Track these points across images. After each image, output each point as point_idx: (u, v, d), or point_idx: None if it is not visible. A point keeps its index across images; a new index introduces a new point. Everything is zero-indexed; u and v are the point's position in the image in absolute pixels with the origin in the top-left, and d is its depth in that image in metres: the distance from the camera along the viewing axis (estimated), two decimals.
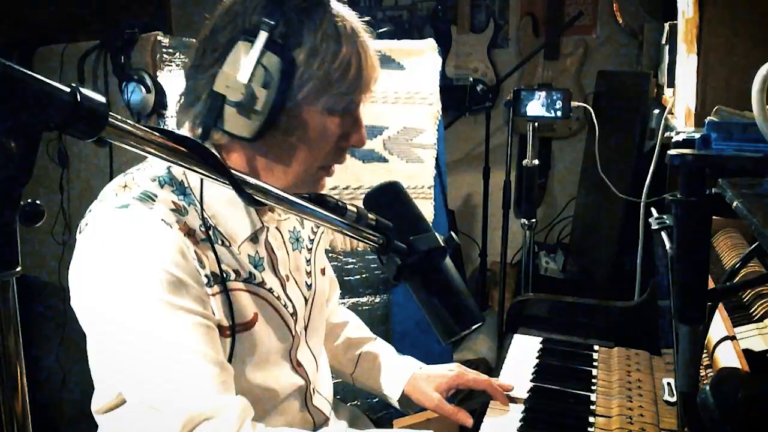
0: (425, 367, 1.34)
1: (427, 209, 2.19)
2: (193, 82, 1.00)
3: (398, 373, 1.32)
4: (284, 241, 1.14)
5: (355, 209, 0.86)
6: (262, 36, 0.93)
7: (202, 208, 0.98)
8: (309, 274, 1.18)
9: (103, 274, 0.92)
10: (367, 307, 2.16)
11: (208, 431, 0.90)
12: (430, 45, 2.18)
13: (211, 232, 0.99)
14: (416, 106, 2.14)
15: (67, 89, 0.53)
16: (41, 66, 2.19)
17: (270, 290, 1.06)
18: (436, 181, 2.22)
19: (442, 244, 0.95)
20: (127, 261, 0.91)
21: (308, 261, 1.19)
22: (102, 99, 0.55)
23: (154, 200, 0.95)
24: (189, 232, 0.96)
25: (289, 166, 1.01)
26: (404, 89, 2.12)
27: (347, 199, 0.93)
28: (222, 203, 1.01)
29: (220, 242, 1.01)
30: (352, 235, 0.87)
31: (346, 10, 1.01)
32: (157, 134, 0.63)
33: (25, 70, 0.51)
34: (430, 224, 0.99)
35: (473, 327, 0.98)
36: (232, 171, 0.71)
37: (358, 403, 2.05)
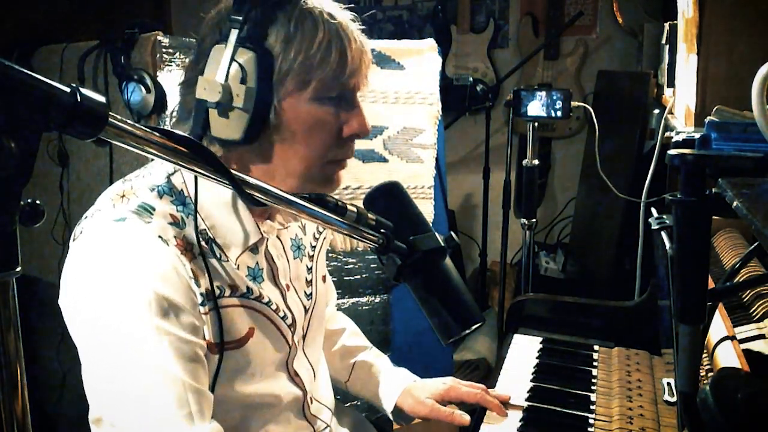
0: (418, 380, 1.33)
1: (427, 209, 2.19)
2: (182, 97, 1.00)
3: (392, 385, 1.31)
4: (285, 250, 1.11)
5: (355, 209, 0.86)
6: (233, 34, 0.91)
7: (196, 220, 0.95)
8: (309, 283, 1.16)
9: (94, 288, 0.90)
10: (367, 307, 2.16)
11: None
12: (430, 45, 2.17)
13: (208, 246, 0.97)
14: (416, 106, 2.14)
15: (67, 89, 0.53)
16: (41, 66, 2.19)
17: (268, 303, 1.03)
18: (436, 181, 2.22)
19: (442, 244, 0.95)
20: (120, 278, 0.89)
21: (309, 269, 1.17)
22: (102, 99, 0.55)
23: (151, 213, 0.93)
24: (186, 248, 0.93)
25: (290, 166, 0.97)
26: (404, 89, 2.12)
27: (347, 199, 0.91)
28: (221, 212, 0.99)
29: (217, 256, 0.98)
30: (352, 235, 0.86)
31: None
32: (157, 134, 0.64)
33: (25, 70, 0.51)
34: (430, 224, 0.98)
35: (473, 327, 0.98)
36: (232, 172, 0.71)
37: (358, 403, 2.05)
